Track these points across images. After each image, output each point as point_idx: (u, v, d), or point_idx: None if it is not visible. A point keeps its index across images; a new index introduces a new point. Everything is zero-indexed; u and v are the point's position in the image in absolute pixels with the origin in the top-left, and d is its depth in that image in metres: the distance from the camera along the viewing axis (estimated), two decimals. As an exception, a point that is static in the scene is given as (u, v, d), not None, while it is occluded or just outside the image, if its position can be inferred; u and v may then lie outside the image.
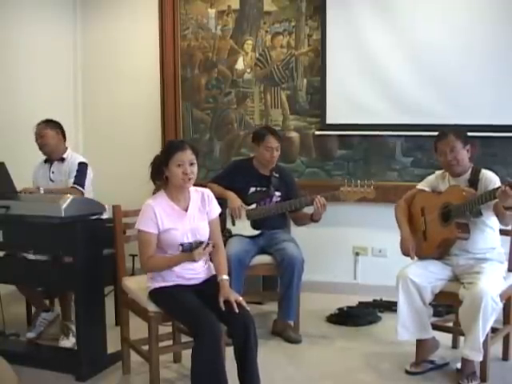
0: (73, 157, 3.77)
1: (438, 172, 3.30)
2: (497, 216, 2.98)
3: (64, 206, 2.94)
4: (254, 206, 3.77)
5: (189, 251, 2.60)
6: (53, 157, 3.76)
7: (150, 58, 4.89)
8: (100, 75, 5.14)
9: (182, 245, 2.61)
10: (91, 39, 5.16)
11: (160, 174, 2.75)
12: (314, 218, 3.64)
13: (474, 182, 3.07)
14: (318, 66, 4.51)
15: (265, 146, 3.73)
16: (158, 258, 2.74)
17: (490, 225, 3.06)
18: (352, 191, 3.51)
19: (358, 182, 3.53)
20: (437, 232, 3.12)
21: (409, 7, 4.25)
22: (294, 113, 4.64)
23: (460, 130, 3.17)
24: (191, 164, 2.70)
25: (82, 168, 3.69)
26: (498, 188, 2.80)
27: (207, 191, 2.89)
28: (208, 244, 2.61)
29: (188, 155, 2.69)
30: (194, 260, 2.62)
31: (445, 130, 3.17)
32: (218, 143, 4.81)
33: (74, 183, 3.60)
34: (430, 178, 3.32)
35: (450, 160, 3.08)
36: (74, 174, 3.64)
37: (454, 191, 3.08)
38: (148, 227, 2.71)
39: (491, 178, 3.04)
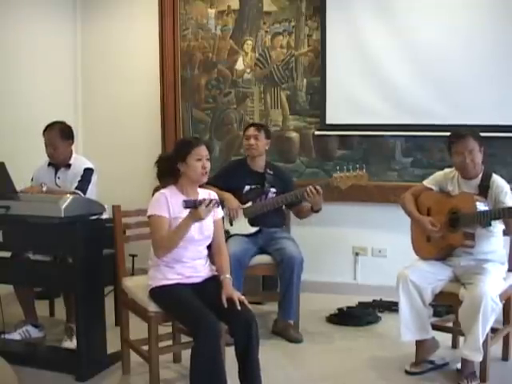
0: (79, 162, 3.67)
1: (447, 170, 3.23)
2: (505, 227, 2.98)
3: (64, 206, 2.93)
4: (249, 203, 3.78)
5: (192, 207, 2.60)
6: (59, 163, 3.68)
7: (149, 58, 4.88)
8: (100, 75, 5.14)
9: (185, 201, 2.62)
10: (91, 39, 5.15)
11: (172, 170, 2.80)
12: (313, 209, 3.64)
13: (484, 188, 3.03)
14: (318, 66, 4.51)
15: (244, 135, 3.86)
16: (167, 234, 2.74)
17: (495, 230, 3.04)
18: (344, 176, 3.54)
19: (350, 167, 3.56)
20: (442, 236, 3.09)
21: (408, 7, 4.24)
22: (293, 113, 4.63)
23: (476, 132, 3.09)
24: (207, 159, 2.81)
25: (87, 174, 3.61)
26: None
27: (213, 193, 2.96)
28: (211, 200, 2.63)
29: (205, 150, 2.81)
30: (200, 218, 2.62)
31: (461, 131, 3.09)
32: (217, 143, 4.80)
33: (76, 188, 3.53)
34: (438, 175, 3.25)
35: (467, 162, 3.01)
36: (78, 179, 3.57)
37: (465, 199, 3.01)
38: (160, 211, 2.75)
39: (502, 186, 3.02)
